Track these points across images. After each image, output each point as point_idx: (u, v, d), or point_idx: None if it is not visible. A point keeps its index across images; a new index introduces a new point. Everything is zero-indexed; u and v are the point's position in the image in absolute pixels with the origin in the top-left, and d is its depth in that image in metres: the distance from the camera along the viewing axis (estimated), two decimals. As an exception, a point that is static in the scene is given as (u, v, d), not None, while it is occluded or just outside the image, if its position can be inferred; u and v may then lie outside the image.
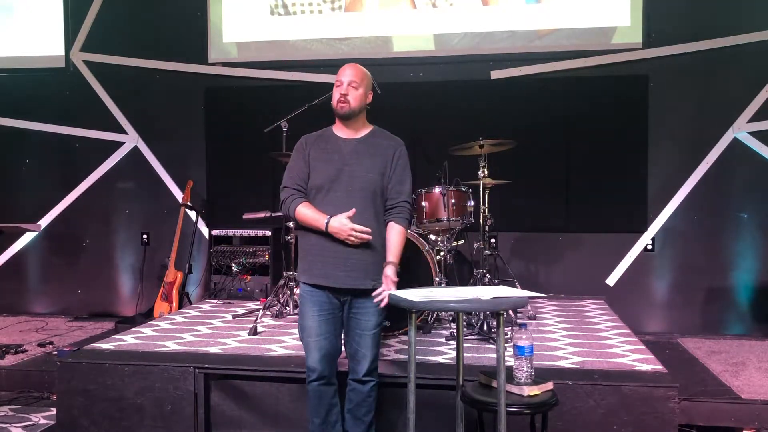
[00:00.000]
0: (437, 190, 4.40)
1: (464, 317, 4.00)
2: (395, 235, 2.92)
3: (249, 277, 5.56)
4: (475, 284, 4.43)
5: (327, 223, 2.82)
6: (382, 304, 2.80)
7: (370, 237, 2.83)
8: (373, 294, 2.82)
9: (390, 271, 2.84)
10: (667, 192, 5.53)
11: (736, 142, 5.44)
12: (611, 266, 5.61)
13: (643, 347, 3.86)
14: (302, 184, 2.95)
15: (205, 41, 6.03)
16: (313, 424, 2.98)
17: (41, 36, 6.25)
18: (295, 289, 4.64)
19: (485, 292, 2.57)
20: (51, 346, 4.91)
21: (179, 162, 6.14)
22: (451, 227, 4.48)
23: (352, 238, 2.80)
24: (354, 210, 2.81)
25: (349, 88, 2.89)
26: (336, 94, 2.91)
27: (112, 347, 3.88)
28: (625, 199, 5.57)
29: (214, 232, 5.77)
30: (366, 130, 2.99)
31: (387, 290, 2.78)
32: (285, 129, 4.62)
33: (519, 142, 4.54)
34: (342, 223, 2.80)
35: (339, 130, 2.99)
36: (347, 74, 2.91)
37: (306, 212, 2.89)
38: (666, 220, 5.54)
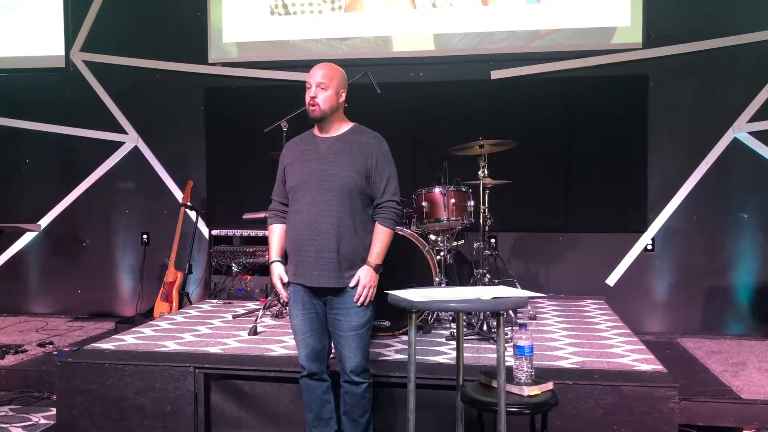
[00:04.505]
0: (437, 190, 4.39)
1: (464, 317, 4.00)
2: (376, 234, 2.91)
3: (249, 277, 5.55)
4: (475, 284, 4.43)
5: (271, 262, 3.00)
6: (359, 304, 2.84)
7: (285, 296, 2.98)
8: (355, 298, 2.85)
9: (362, 272, 2.85)
10: (667, 192, 5.53)
11: (736, 142, 5.44)
12: (611, 266, 5.61)
13: (643, 347, 3.86)
14: (283, 199, 3.02)
15: (205, 41, 6.03)
16: (308, 419, 3.00)
17: (41, 36, 6.25)
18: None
19: (485, 292, 2.57)
20: (51, 346, 4.91)
21: (179, 162, 6.14)
22: (451, 227, 4.48)
23: (275, 287, 2.99)
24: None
25: (318, 89, 2.85)
26: (307, 99, 2.87)
27: (112, 347, 3.88)
28: (625, 199, 5.57)
29: (214, 232, 5.77)
30: (345, 128, 2.96)
31: (360, 293, 2.83)
32: (285, 129, 4.61)
33: (519, 142, 4.54)
34: (273, 274, 2.97)
35: (317, 130, 2.98)
36: (315, 75, 2.86)
37: (269, 237, 3.05)
38: (666, 220, 5.54)
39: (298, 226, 2.89)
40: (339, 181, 2.84)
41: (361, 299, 2.84)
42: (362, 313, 2.87)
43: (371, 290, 2.86)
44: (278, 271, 2.96)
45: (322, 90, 2.85)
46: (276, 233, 3.02)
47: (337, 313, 2.89)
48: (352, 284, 2.84)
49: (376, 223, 2.92)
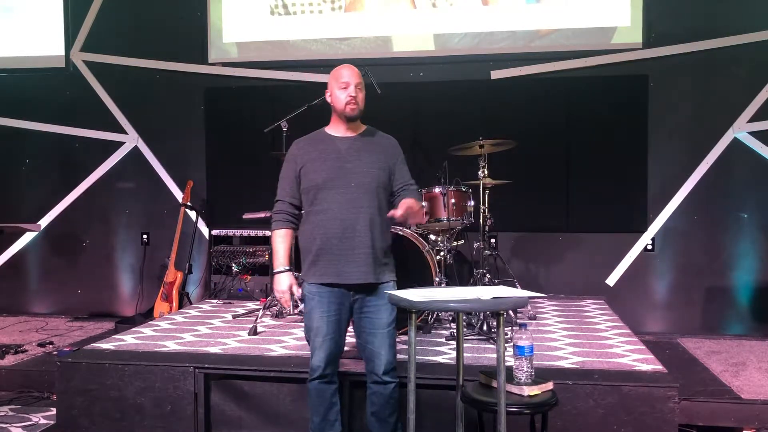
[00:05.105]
0: (437, 190, 4.39)
1: (464, 317, 4.00)
2: (410, 198, 2.95)
3: (249, 277, 5.56)
4: (475, 284, 4.43)
5: (277, 272, 2.95)
6: (398, 214, 2.82)
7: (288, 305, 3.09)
8: (389, 214, 2.87)
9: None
10: (667, 192, 5.53)
11: (736, 142, 5.44)
12: (611, 266, 5.61)
13: (643, 347, 3.86)
14: (294, 200, 3.00)
15: (205, 41, 6.03)
16: (313, 422, 2.99)
17: (41, 36, 6.26)
18: (295, 289, 4.64)
19: (485, 292, 2.57)
20: (51, 346, 4.91)
21: (179, 162, 6.14)
22: (451, 227, 4.47)
23: (281, 298, 2.98)
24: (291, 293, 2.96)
25: (357, 90, 2.92)
26: (345, 97, 2.90)
27: (112, 347, 3.88)
28: (625, 199, 5.57)
29: (214, 232, 5.77)
30: (361, 128, 3.04)
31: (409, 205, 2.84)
32: (285, 129, 4.62)
33: (519, 142, 4.54)
34: (282, 284, 2.93)
35: (334, 130, 3.00)
36: (352, 76, 2.93)
37: (276, 242, 2.99)
38: (666, 220, 5.54)
39: (328, 224, 2.89)
40: (368, 178, 2.90)
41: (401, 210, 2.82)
42: (393, 309, 2.91)
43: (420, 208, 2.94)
44: (290, 281, 2.95)
45: (360, 90, 2.95)
46: (286, 239, 3.00)
47: (368, 311, 2.92)
48: (399, 212, 2.83)
49: (405, 195, 2.99)
